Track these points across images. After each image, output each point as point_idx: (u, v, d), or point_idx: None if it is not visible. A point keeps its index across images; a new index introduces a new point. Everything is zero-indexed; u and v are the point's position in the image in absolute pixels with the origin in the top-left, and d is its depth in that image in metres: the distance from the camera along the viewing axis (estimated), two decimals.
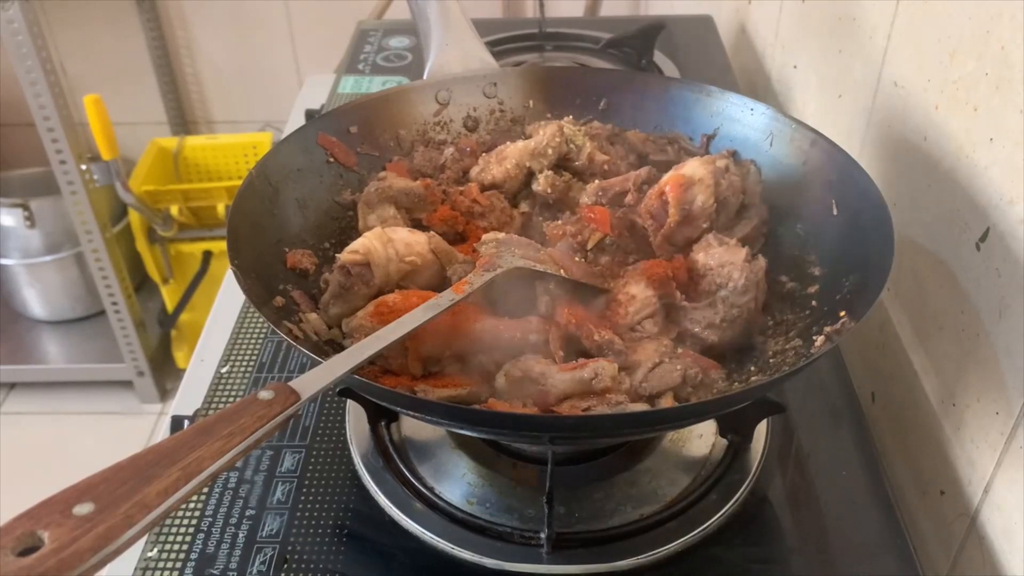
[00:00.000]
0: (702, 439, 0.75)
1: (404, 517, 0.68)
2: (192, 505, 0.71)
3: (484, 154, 0.84)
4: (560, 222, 0.77)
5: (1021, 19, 0.62)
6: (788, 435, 0.76)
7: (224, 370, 0.84)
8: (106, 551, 0.39)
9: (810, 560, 0.66)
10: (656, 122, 0.86)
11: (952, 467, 0.72)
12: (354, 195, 0.79)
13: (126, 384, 2.24)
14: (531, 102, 0.89)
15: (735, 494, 0.69)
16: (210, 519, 0.70)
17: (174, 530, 0.69)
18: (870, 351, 0.89)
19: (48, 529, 0.39)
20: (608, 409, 0.61)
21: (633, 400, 0.62)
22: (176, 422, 0.79)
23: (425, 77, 0.87)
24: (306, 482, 0.72)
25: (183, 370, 1.63)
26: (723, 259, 0.70)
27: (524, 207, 0.82)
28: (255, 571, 0.66)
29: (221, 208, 2.02)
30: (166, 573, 0.66)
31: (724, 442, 0.73)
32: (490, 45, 0.92)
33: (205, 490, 0.72)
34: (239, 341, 0.88)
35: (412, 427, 0.76)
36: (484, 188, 0.80)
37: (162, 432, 0.83)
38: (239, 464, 0.74)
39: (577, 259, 0.72)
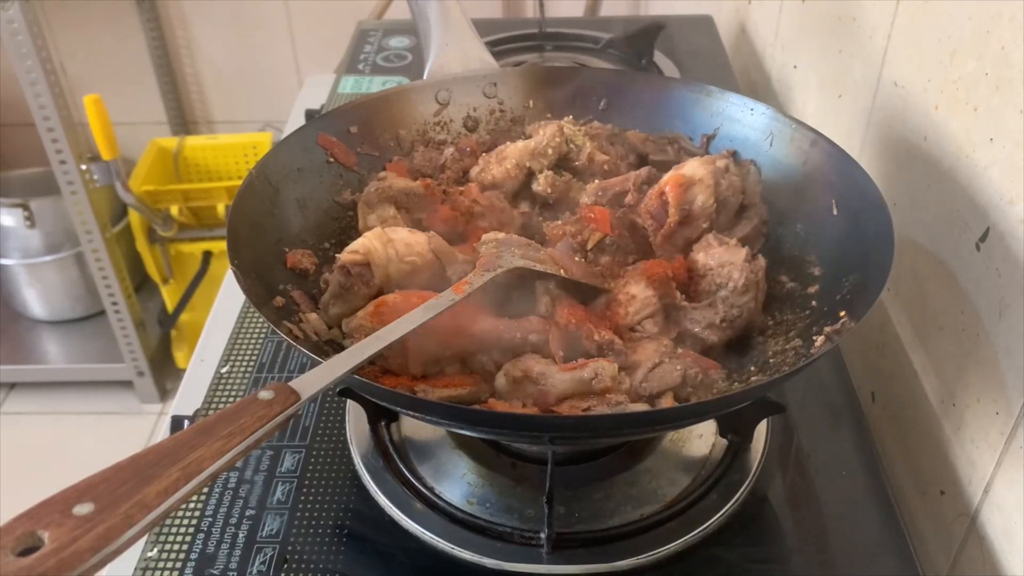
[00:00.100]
0: (702, 439, 0.75)
1: (404, 517, 0.68)
2: (192, 505, 0.71)
3: (484, 154, 0.84)
4: (560, 222, 0.77)
5: (1021, 19, 0.62)
6: (788, 435, 0.76)
7: (224, 370, 0.84)
8: (106, 551, 0.39)
9: (810, 560, 0.66)
10: (656, 122, 0.86)
11: (952, 467, 0.73)
12: (354, 195, 0.79)
13: (126, 384, 2.24)
14: (531, 102, 0.89)
15: (735, 494, 0.69)
16: (210, 519, 0.70)
17: (174, 530, 0.69)
18: (870, 351, 0.89)
19: (48, 529, 0.39)
20: (608, 409, 0.61)
21: (633, 400, 0.62)
22: (176, 422, 0.79)
23: (425, 77, 0.87)
24: (306, 482, 0.72)
25: (183, 370, 1.63)
26: (723, 259, 0.70)
27: (524, 207, 0.82)
28: (255, 571, 0.66)
29: (221, 208, 2.02)
30: (166, 573, 0.66)
31: (724, 442, 0.73)
32: (490, 45, 0.92)
33: (205, 490, 0.72)
34: (239, 341, 0.88)
35: (412, 427, 0.76)
36: (484, 188, 0.80)
37: (162, 432, 0.83)
38: (239, 464, 0.74)
39: (577, 259, 0.72)
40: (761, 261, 0.71)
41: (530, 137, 0.83)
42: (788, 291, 0.72)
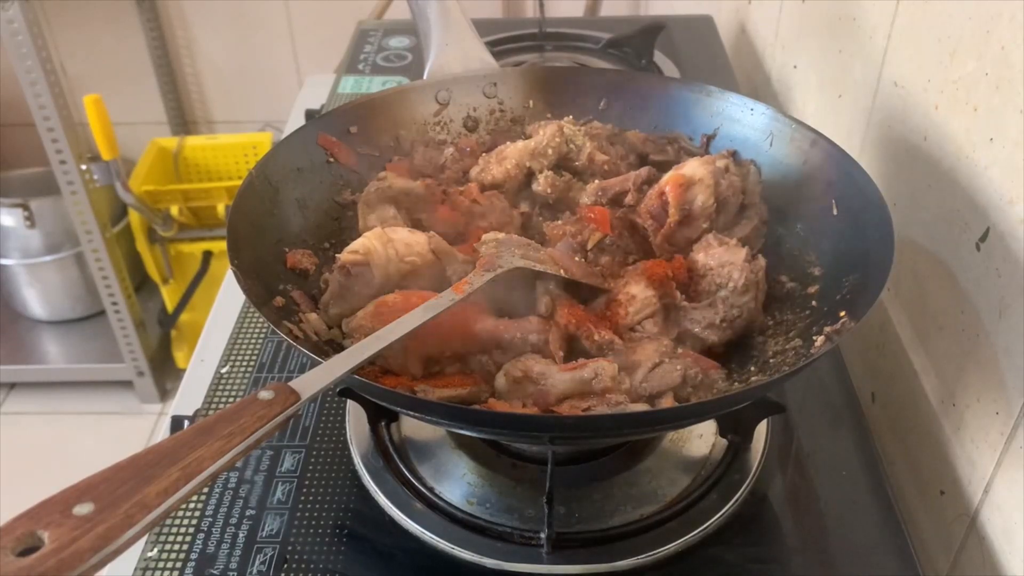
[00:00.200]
0: (702, 439, 0.75)
1: (404, 517, 0.68)
2: (192, 505, 0.71)
3: (484, 154, 0.84)
4: (560, 222, 0.77)
5: (1021, 19, 0.62)
6: (788, 435, 0.76)
7: (224, 370, 0.84)
8: (106, 551, 0.39)
9: (810, 560, 0.66)
10: (656, 122, 0.86)
11: (952, 467, 0.72)
12: (354, 195, 0.79)
13: (126, 384, 2.24)
14: (531, 102, 0.89)
15: (735, 494, 0.69)
16: (210, 519, 0.69)
17: (174, 530, 0.69)
18: (870, 351, 0.89)
19: (48, 529, 0.39)
20: (608, 409, 0.61)
21: (633, 400, 0.62)
22: (176, 422, 0.79)
23: (425, 77, 0.87)
24: (306, 482, 0.72)
25: (183, 370, 1.63)
26: (723, 259, 0.70)
27: (524, 207, 0.82)
28: (255, 571, 0.66)
29: (221, 208, 2.02)
30: (166, 573, 0.66)
31: (724, 442, 0.73)
32: (490, 45, 0.92)
33: (205, 490, 0.72)
34: (239, 341, 0.88)
35: (412, 427, 0.76)
36: (484, 188, 0.80)
37: (162, 432, 0.83)
38: (239, 464, 0.74)
39: (577, 259, 0.72)
40: (761, 261, 0.71)
41: (530, 137, 0.83)
42: (788, 291, 0.72)
